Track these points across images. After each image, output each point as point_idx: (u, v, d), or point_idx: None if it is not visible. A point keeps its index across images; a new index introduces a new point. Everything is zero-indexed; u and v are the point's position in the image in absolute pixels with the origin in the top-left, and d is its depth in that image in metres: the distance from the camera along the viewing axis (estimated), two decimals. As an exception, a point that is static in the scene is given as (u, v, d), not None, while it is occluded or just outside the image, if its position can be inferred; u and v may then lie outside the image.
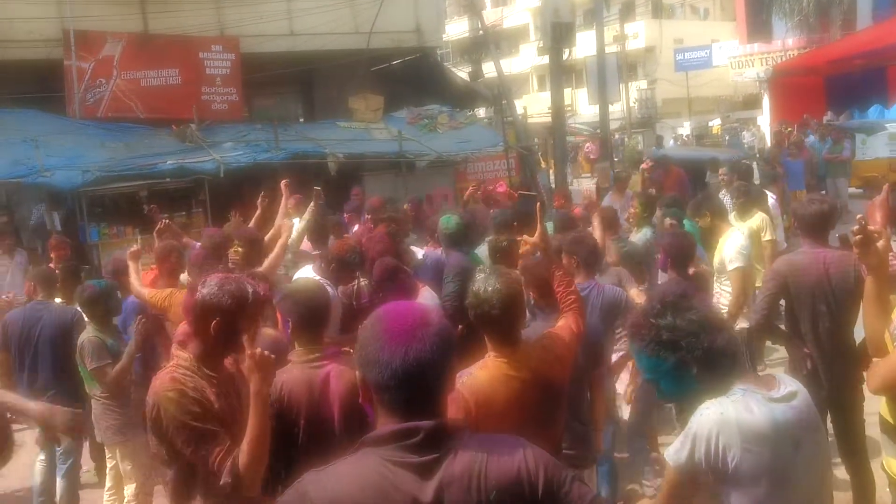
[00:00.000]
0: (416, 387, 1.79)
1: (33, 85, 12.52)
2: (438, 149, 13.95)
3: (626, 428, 5.52)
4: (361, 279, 5.74)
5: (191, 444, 2.81)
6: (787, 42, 30.14)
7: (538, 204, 3.60)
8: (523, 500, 1.80)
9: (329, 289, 4.99)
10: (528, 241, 3.72)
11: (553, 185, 15.66)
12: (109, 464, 5.48)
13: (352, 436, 3.01)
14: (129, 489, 5.27)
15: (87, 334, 5.29)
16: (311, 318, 3.56)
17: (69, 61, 12.82)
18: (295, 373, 3.42)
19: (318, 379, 3.40)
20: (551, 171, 17.38)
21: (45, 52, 12.69)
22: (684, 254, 5.37)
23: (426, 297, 5.46)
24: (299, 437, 3.36)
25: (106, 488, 5.51)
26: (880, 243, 3.04)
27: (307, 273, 5.85)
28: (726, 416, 2.37)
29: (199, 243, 7.75)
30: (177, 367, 2.96)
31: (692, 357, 2.43)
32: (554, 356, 3.29)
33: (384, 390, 1.81)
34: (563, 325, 3.50)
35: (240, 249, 6.57)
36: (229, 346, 2.97)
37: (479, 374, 3.09)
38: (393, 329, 1.82)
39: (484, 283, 3.21)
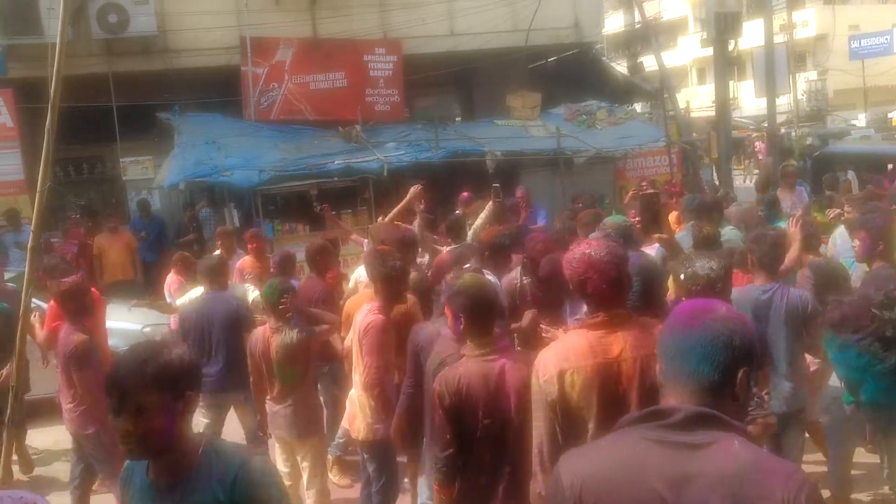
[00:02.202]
0: (698, 378, 1.83)
1: (214, 91, 13.39)
2: (597, 145, 13.76)
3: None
4: (524, 278, 5.75)
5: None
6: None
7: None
8: None
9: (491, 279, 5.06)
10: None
11: (717, 182, 15.08)
12: (291, 460, 5.51)
13: (526, 427, 3.08)
14: (314, 487, 5.37)
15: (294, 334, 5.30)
16: (481, 313, 3.60)
17: (245, 67, 13.63)
18: (471, 366, 3.49)
19: (494, 372, 3.45)
20: (714, 169, 16.73)
21: (225, 59, 13.57)
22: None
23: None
24: (478, 429, 3.43)
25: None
26: None
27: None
28: None
29: (366, 240, 8.07)
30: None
31: None
32: None
33: (674, 379, 1.88)
34: None
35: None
36: None
37: None
38: (686, 324, 1.90)
39: (703, 263, 3.34)
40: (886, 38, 35.50)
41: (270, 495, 2.26)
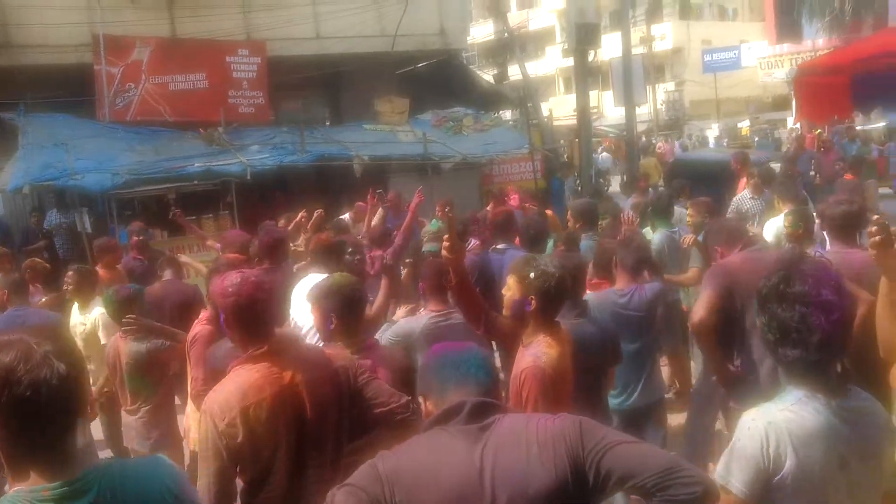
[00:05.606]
0: (475, 381, 2.25)
1: (64, 90, 12.65)
2: (464, 151, 13.95)
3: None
4: None
5: None
6: (817, 42, 29.80)
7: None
8: (562, 454, 2.07)
9: None
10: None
11: (578, 190, 15.57)
12: None
13: None
14: None
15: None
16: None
17: (99, 66, 12.98)
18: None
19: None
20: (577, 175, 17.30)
21: (76, 56, 12.85)
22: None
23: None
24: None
25: None
26: None
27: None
28: (775, 424, 2.23)
29: (220, 244, 7.84)
30: None
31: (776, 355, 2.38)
32: None
33: (457, 386, 2.25)
34: None
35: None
36: None
37: (552, 352, 3.33)
38: (454, 348, 2.42)
39: (550, 261, 3.59)
40: (734, 54, 37.90)
41: None
